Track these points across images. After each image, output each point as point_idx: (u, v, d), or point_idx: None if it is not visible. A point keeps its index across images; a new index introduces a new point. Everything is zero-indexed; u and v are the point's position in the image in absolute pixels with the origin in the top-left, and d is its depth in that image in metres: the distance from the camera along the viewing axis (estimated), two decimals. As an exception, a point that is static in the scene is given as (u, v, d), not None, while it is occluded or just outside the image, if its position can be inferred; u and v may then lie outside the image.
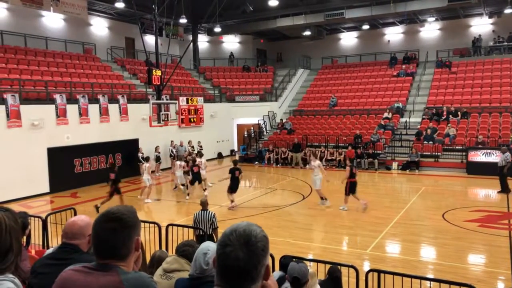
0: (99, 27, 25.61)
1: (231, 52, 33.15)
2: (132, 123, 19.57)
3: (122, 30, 26.65)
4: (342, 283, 4.85)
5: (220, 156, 25.86)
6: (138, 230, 1.73)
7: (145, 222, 7.63)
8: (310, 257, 8.39)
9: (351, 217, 12.41)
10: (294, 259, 4.10)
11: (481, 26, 28.38)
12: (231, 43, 33.91)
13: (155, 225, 7.47)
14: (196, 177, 15.20)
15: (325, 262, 5.43)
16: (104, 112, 18.40)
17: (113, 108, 18.85)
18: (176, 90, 23.65)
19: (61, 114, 16.67)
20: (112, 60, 25.02)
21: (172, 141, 20.98)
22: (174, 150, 20.72)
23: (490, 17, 27.54)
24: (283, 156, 22.96)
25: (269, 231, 10.82)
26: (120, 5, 22.42)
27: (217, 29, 28.66)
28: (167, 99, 20.30)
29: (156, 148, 20.13)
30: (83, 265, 1.69)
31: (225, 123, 26.35)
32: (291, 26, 28.26)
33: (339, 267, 5.22)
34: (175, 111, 19.77)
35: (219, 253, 1.34)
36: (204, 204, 8.64)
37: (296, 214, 13.29)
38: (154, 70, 17.47)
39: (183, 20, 24.65)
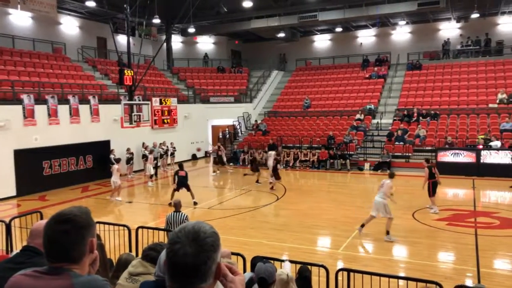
0: (70, 26, 25.00)
1: (206, 53, 33.00)
2: (104, 124, 19.19)
3: (94, 30, 26.12)
4: (311, 283, 4.87)
5: (194, 157, 25.66)
6: (92, 232, 1.67)
7: (114, 224, 7.48)
8: (285, 257, 8.42)
9: (324, 217, 12.51)
10: (264, 260, 4.08)
11: (449, 30, 29.20)
12: (206, 44, 33.75)
13: (125, 228, 7.32)
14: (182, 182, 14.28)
15: (296, 262, 5.44)
16: (74, 113, 17.97)
17: (84, 109, 18.44)
18: (149, 90, 23.35)
19: (28, 115, 16.17)
20: (83, 60, 24.49)
21: (143, 143, 20.65)
22: (146, 152, 20.42)
23: (458, 21, 28.36)
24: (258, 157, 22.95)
25: (242, 232, 10.82)
26: (91, 4, 21.97)
27: (191, 30, 28.46)
28: (139, 100, 20.00)
29: (128, 150, 19.80)
30: (34, 269, 1.62)
31: (199, 124, 26.18)
32: (266, 28, 28.34)
33: (309, 267, 5.24)
34: (148, 112, 19.51)
35: (168, 251, 1.31)
36: (177, 206, 8.54)
37: (270, 214, 13.32)
38: (126, 71, 17.18)
39: (156, 20, 24.37)
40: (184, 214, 8.21)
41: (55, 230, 1.60)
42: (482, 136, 19.80)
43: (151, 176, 18.90)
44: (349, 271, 5.12)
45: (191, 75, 30.44)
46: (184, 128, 24.41)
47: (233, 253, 5.98)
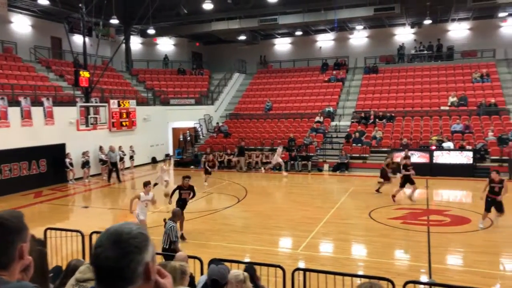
0: (21, 25, 23.96)
1: (166, 55, 32.57)
2: (59, 127, 18.48)
3: (48, 29, 25.16)
4: (257, 280, 4.86)
5: (154, 160, 25.23)
6: (23, 237, 1.59)
7: (66, 230, 7.22)
8: (247, 259, 8.42)
9: (284, 218, 12.63)
10: (218, 262, 4.07)
11: (404, 35, 30.27)
12: (166, 45, 33.31)
13: (78, 234, 7.08)
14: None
15: (252, 263, 5.45)
16: (26, 116, 17.22)
17: (37, 111, 17.69)
18: (107, 92, 22.75)
19: (-24, 118, 15.36)
20: (36, 60, 23.54)
21: (101, 147, 20.08)
22: (103, 156, 19.92)
23: (412, 27, 29.45)
24: (219, 159, 22.88)
25: (202, 235, 10.73)
26: (44, 2, 21.16)
27: (151, 31, 28.01)
28: (96, 102, 19.46)
29: (84, 153, 19.19)
30: None
31: (159, 126, 25.78)
32: (226, 30, 28.34)
33: (267, 267, 5.27)
34: (106, 114, 19.01)
35: (91, 255, 1.28)
36: (174, 215, 8.27)
37: (231, 217, 13.29)
38: (81, 72, 16.69)
39: (114, 21, 23.79)
40: (171, 224, 7.90)
41: None
42: (435, 137, 20.65)
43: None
44: (305, 270, 5.19)
45: (150, 76, 29.95)
46: (144, 131, 23.95)
47: (190, 257, 5.92)
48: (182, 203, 11.17)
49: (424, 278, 7.93)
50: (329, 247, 10.31)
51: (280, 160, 21.11)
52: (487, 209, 11.02)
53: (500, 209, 10.85)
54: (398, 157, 18.72)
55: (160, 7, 23.68)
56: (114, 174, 19.47)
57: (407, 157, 15.30)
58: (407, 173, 13.99)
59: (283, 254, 9.60)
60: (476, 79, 25.25)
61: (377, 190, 15.61)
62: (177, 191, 11.30)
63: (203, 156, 22.64)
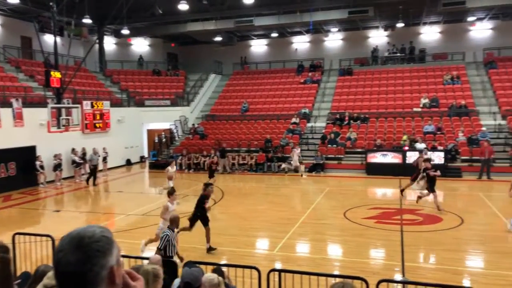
0: (-11, 23, 23.25)
1: (141, 55, 32.15)
2: (29, 128, 17.96)
3: (17, 28, 24.48)
4: (228, 283, 4.85)
5: (128, 163, 24.86)
6: None
7: (36, 235, 7.03)
8: (223, 262, 8.38)
9: (260, 219, 12.64)
10: (191, 265, 4.03)
11: (378, 38, 30.80)
12: (141, 46, 32.89)
13: (48, 238, 6.89)
14: None
15: (228, 266, 5.43)
16: (-6, 117, 16.67)
17: (6, 113, 17.13)
18: (80, 93, 22.28)
19: None
20: (5, 60, 22.83)
21: (73, 149, 19.63)
22: (76, 158, 19.49)
23: (385, 30, 30.01)
24: (195, 161, 22.74)
25: (178, 238, 10.57)
26: (14, 0, 20.57)
27: (125, 31, 27.61)
28: (68, 103, 19.02)
29: (56, 156, 18.72)
30: None
31: (134, 128, 25.41)
32: (202, 31, 28.22)
33: (243, 269, 5.25)
34: (78, 116, 18.61)
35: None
36: (172, 221, 7.79)
37: (207, 219, 13.18)
38: (52, 72, 16.28)
39: (87, 20, 23.34)
40: (165, 232, 7.52)
41: None
42: (405, 137, 21.12)
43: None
44: (280, 271, 5.20)
45: (125, 77, 29.50)
46: (118, 133, 23.55)
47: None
48: (202, 214, 9.87)
49: (398, 277, 8.07)
50: (305, 248, 10.37)
51: (298, 163, 20.48)
52: None
53: None
54: (372, 157, 19.05)
55: (135, 7, 23.36)
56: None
57: (427, 160, 14.24)
58: (435, 173, 13.15)
59: (259, 256, 9.60)
60: (447, 81, 25.93)
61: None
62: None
63: (179, 158, 22.51)
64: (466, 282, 7.84)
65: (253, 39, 33.58)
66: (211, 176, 17.55)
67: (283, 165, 21.10)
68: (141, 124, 26.40)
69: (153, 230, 11.61)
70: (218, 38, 30.28)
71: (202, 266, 5.43)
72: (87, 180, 18.88)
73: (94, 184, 18.76)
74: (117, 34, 29.65)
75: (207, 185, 10.22)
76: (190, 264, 4.43)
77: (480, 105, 23.72)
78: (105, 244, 1.25)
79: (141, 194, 17.96)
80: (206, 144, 23.94)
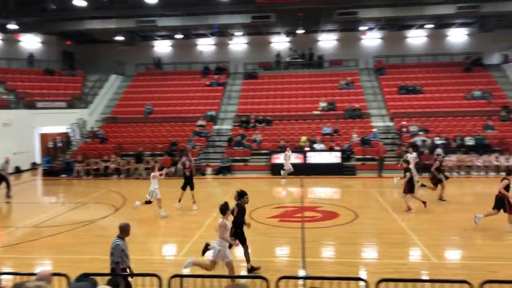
0: None
1: (31, 53, 29.47)
2: None
3: None
4: None
5: (18, 170, 22.62)
6: None
7: None
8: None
9: (167, 224, 12.34)
10: (84, 278, 3.76)
11: (280, 43, 31.96)
12: (31, 42, 30.12)
13: None
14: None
15: (126, 275, 5.17)
16: None
17: None
18: (-44, 93, 19.76)
19: None
20: None
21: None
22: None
23: (287, 35, 31.23)
24: (94, 167, 21.46)
25: (75, 249, 9.94)
26: None
27: (13, 26, 25.13)
28: None
29: None
30: None
31: (23, 132, 23.23)
32: (102, 30, 26.81)
33: (143, 277, 5.04)
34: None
35: None
36: (122, 230, 6.70)
37: (109, 227, 12.49)
38: None
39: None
40: (115, 242, 6.52)
41: None
42: (304, 139, 22.25)
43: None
44: (181, 276, 5.09)
45: (12, 77, 26.81)
46: (5, 137, 21.34)
47: (56, 274, 5.41)
48: (241, 229, 8.33)
49: (302, 272, 8.38)
50: (210, 251, 10.29)
51: (290, 165, 19.14)
52: None
53: None
54: (276, 159, 19.64)
55: (23, 1, 21.36)
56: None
57: (405, 161, 14.30)
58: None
59: (163, 262, 9.35)
60: (342, 86, 27.81)
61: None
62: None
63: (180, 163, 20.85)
64: (362, 273, 8.41)
65: (157, 39, 32.74)
66: (185, 186, 14.47)
67: (283, 181, 19.07)
68: (32, 128, 24.21)
69: (47, 242, 10.73)
70: (120, 38, 28.98)
71: (102, 278, 5.11)
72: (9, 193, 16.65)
73: (9, 196, 16.56)
74: (2, 29, 26.81)
75: (241, 194, 8.39)
76: (84, 276, 4.13)
77: (371, 108, 25.84)
78: None
79: (35, 204, 16.47)
80: (106, 149, 22.75)
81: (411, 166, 15.04)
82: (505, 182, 10.84)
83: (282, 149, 20.42)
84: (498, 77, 27.21)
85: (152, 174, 13.53)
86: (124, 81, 30.94)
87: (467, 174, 19.89)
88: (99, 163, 21.61)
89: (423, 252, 9.53)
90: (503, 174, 13.04)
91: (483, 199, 14.48)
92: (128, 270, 6.22)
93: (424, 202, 13.18)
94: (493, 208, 11.02)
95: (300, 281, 7.62)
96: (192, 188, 14.23)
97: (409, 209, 12.99)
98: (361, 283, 6.03)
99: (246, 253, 8.15)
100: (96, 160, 21.74)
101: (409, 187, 13.10)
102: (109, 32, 27.54)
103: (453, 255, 9.76)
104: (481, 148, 20.90)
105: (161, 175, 13.79)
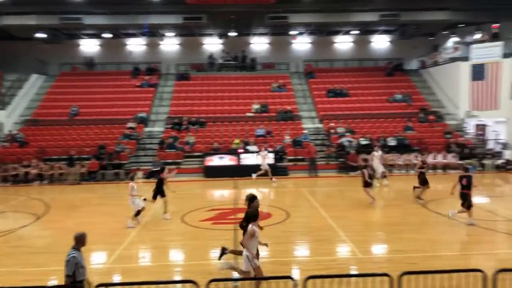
0: None
1: None
2: None
3: None
4: None
5: None
6: None
7: None
8: (49, 283, 7.50)
9: (94, 232, 11.51)
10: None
11: (213, 45, 31.82)
12: None
13: None
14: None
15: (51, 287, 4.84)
16: None
17: None
18: None
19: None
20: None
21: None
22: None
23: (220, 37, 31.19)
24: (13, 172, 19.94)
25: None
26: None
27: None
28: None
29: None
30: None
31: None
32: (21, 26, 25.04)
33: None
34: None
35: None
36: (77, 240, 6.22)
37: (28, 237, 11.69)
38: None
39: None
40: (70, 254, 6.08)
41: None
42: (237, 141, 22.38)
43: None
44: (107, 285, 4.86)
45: None
46: None
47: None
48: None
49: (235, 275, 8.35)
50: (142, 256, 10.00)
51: (267, 166, 19.36)
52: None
53: None
54: (209, 161, 19.49)
55: None
56: None
57: (364, 159, 15.66)
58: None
59: (91, 271, 8.86)
60: (274, 89, 28.34)
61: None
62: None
63: (27, 168, 19.43)
64: (294, 271, 8.58)
65: (83, 38, 31.17)
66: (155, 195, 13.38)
67: (254, 176, 19.36)
68: None
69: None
70: (41, 35, 27.19)
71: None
72: None
73: None
74: None
75: (252, 199, 8.18)
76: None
77: (302, 110, 26.60)
78: None
79: None
80: (26, 153, 21.25)
81: (375, 163, 17.47)
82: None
83: (215, 151, 20.35)
84: (416, 82, 29.29)
85: (131, 184, 12.37)
86: (46, 81, 29.09)
87: (390, 172, 21.14)
88: (18, 169, 20.12)
89: (350, 248, 9.95)
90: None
91: (405, 195, 15.52)
92: (84, 282, 5.91)
93: (373, 198, 14.26)
94: (462, 205, 11.62)
95: (230, 284, 7.62)
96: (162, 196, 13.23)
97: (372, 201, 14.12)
98: (291, 282, 6.15)
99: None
100: (15, 166, 20.21)
101: (367, 183, 14.17)
102: (29, 28, 25.77)
103: (378, 249, 10.30)
104: (402, 147, 22.37)
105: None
